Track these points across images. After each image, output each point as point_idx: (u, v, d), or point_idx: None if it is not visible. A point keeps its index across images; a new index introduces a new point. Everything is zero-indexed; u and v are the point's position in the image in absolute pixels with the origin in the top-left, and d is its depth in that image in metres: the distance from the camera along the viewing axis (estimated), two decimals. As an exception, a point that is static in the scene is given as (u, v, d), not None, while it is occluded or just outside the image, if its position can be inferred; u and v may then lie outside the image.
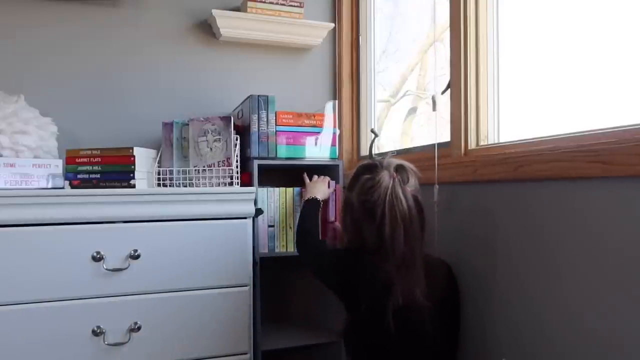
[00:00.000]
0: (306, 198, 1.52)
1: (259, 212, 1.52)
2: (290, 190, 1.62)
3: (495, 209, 1.16)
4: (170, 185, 1.53)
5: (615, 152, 0.85)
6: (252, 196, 1.49)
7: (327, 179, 1.62)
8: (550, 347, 1.00)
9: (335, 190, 1.63)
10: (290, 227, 1.62)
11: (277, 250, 1.61)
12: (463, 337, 1.27)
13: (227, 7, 1.85)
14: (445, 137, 1.40)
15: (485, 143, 1.31)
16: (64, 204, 1.31)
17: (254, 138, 1.59)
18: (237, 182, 1.53)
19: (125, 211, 1.36)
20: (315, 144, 1.66)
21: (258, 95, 1.60)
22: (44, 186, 1.39)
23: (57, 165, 1.42)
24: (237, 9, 1.86)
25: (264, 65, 1.95)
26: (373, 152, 1.73)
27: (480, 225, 1.21)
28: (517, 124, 1.26)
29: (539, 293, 1.03)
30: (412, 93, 1.86)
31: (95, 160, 1.41)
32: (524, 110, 1.25)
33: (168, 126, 1.60)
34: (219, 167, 1.53)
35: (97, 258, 1.31)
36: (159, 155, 1.58)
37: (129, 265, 1.34)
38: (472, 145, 1.32)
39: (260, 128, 1.59)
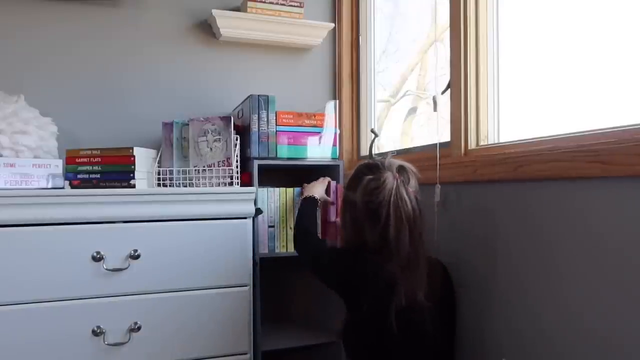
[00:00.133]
0: (303, 197, 1.52)
1: (258, 212, 1.52)
2: (290, 190, 1.62)
3: (495, 209, 1.16)
4: (170, 185, 1.53)
5: (614, 152, 0.85)
6: (252, 196, 1.49)
7: (327, 179, 1.62)
8: (550, 347, 1.00)
9: (336, 190, 1.62)
10: (291, 228, 1.62)
11: (277, 250, 1.61)
12: (462, 337, 1.27)
13: (227, 7, 1.85)
14: (446, 137, 1.40)
15: (485, 143, 1.31)
16: (64, 204, 1.31)
17: (254, 138, 1.59)
18: (237, 182, 1.53)
19: (125, 211, 1.36)
20: (316, 143, 1.66)
21: (258, 95, 1.60)
22: (44, 186, 1.39)
23: (57, 165, 1.42)
24: (237, 9, 1.86)
25: (264, 65, 1.95)
26: (373, 152, 1.73)
27: (480, 225, 1.21)
28: (517, 124, 1.26)
29: (539, 293, 1.03)
30: (412, 93, 1.86)
31: (95, 160, 1.41)
32: (524, 110, 1.25)
33: (168, 126, 1.60)
34: (219, 167, 1.53)
35: (97, 258, 1.32)
36: (159, 155, 1.58)
37: (129, 265, 1.34)
38: (472, 145, 1.32)
39: (261, 128, 1.59)
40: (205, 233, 1.42)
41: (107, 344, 1.32)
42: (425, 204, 1.20)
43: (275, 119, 1.61)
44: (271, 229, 1.60)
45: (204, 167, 1.54)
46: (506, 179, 1.11)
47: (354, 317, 1.22)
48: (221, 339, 1.43)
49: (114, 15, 1.77)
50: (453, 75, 1.36)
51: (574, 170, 0.93)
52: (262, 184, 1.58)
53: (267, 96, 1.60)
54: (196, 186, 1.52)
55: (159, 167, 1.56)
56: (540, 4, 1.22)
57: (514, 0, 1.29)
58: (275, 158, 1.61)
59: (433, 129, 1.52)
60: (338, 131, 1.70)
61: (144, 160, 1.48)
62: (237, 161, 1.54)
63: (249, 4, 1.81)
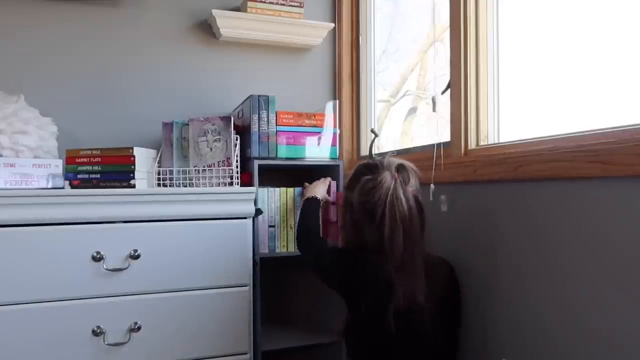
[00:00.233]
0: (306, 197, 1.52)
1: (258, 212, 1.52)
2: (291, 190, 1.62)
3: (495, 209, 1.16)
4: (170, 185, 1.53)
5: (615, 152, 0.85)
6: (252, 196, 1.49)
7: (328, 180, 1.62)
8: (552, 347, 1.00)
9: (336, 192, 1.62)
10: (291, 227, 1.62)
11: (277, 250, 1.61)
12: (464, 337, 1.27)
13: (227, 7, 1.85)
14: (446, 137, 1.40)
15: (485, 143, 1.31)
16: (64, 204, 1.31)
17: (254, 138, 1.59)
18: (237, 182, 1.53)
19: (125, 211, 1.36)
20: (316, 144, 1.66)
21: (258, 95, 1.60)
22: (44, 186, 1.39)
23: (57, 165, 1.42)
24: (237, 9, 1.86)
25: (264, 65, 1.95)
26: (373, 152, 1.73)
27: (480, 225, 1.21)
28: (517, 124, 1.26)
29: (539, 293, 1.03)
30: (412, 93, 1.86)
31: (95, 160, 1.41)
32: (524, 110, 1.25)
33: (168, 126, 1.60)
34: (219, 167, 1.53)
35: (97, 258, 1.31)
36: (159, 155, 1.58)
37: (129, 265, 1.34)
38: (472, 145, 1.32)
39: (261, 128, 1.59)
40: (205, 233, 1.42)
41: (107, 344, 1.32)
42: (425, 204, 1.20)
43: (276, 119, 1.61)
44: (271, 228, 1.60)
45: (204, 167, 1.54)
46: (506, 179, 1.11)
47: (354, 317, 1.22)
48: (221, 339, 1.43)
49: (114, 15, 1.77)
50: (453, 75, 1.36)
51: (574, 170, 0.93)
52: (262, 184, 1.58)
53: (267, 96, 1.60)
54: (196, 186, 1.52)
55: (159, 167, 1.55)
56: (540, 4, 1.22)
57: (514, 0, 1.29)
58: (276, 158, 1.61)
59: (433, 129, 1.52)
60: (338, 131, 1.70)
61: (144, 160, 1.48)
62: (237, 161, 1.54)
63: (249, 4, 1.81)
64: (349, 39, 2.03)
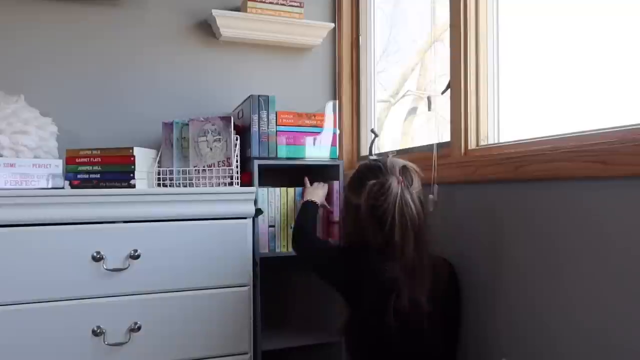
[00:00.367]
0: (304, 200, 1.52)
1: (258, 212, 1.52)
2: (291, 190, 1.62)
3: (495, 209, 1.16)
4: (170, 185, 1.53)
5: (615, 152, 0.85)
6: (252, 196, 1.49)
7: (327, 186, 1.62)
8: (552, 347, 1.00)
9: (339, 196, 1.62)
10: (291, 227, 1.61)
11: (277, 250, 1.61)
12: (464, 337, 1.27)
13: (227, 7, 1.85)
14: (446, 137, 1.40)
15: (485, 143, 1.31)
16: (64, 204, 1.31)
17: (254, 138, 1.59)
18: (237, 182, 1.53)
19: (125, 211, 1.36)
20: (315, 144, 1.66)
21: (258, 95, 1.60)
22: (44, 186, 1.38)
23: (57, 165, 1.42)
24: (237, 9, 1.86)
25: (264, 65, 1.95)
26: (373, 152, 1.73)
27: (480, 225, 1.21)
28: (517, 124, 1.26)
29: (540, 293, 1.03)
30: (412, 93, 1.86)
31: (95, 160, 1.41)
32: (524, 110, 1.25)
33: (168, 126, 1.60)
34: (219, 167, 1.53)
35: (97, 258, 1.31)
36: (159, 155, 1.58)
37: (129, 265, 1.34)
38: (472, 145, 1.32)
39: (261, 128, 1.59)
40: (205, 233, 1.42)
41: (107, 344, 1.32)
42: (425, 204, 1.20)
43: (276, 119, 1.61)
44: (272, 228, 1.60)
45: (204, 167, 1.54)
46: (506, 179, 1.11)
47: (354, 315, 1.22)
48: (221, 339, 1.42)
49: (114, 16, 1.77)
50: (453, 75, 1.36)
51: (574, 170, 0.93)
52: (262, 184, 1.58)
53: (267, 96, 1.60)
54: (196, 186, 1.52)
55: (159, 167, 1.55)
56: (541, 4, 1.22)
57: (514, 0, 1.29)
58: (276, 158, 1.61)
59: (433, 129, 1.52)
60: (338, 131, 1.70)
61: (144, 160, 1.48)
62: (237, 161, 1.54)
63: (249, 4, 1.81)
64: (349, 39, 2.03)
